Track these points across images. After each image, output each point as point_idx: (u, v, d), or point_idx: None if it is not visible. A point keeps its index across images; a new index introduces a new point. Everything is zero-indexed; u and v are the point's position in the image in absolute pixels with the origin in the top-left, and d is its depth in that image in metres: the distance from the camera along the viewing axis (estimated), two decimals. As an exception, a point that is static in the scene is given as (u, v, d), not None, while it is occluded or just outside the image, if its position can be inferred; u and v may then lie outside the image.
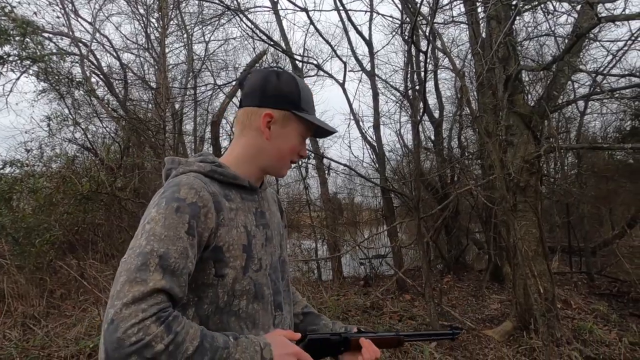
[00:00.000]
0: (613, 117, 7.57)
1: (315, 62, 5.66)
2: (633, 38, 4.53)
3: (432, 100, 7.03)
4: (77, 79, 5.46)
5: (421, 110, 3.60)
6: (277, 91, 0.86)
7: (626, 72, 4.76)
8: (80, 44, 6.28)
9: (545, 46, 6.04)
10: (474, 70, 5.56)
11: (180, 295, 0.66)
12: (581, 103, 6.17)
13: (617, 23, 3.24)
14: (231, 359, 0.65)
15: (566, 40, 4.01)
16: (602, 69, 4.84)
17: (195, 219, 0.70)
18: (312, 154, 5.07)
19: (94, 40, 6.69)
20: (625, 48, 5.00)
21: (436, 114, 6.81)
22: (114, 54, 7.07)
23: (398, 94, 6.13)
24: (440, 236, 6.29)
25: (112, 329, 0.57)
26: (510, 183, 3.44)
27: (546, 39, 5.52)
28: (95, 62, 6.51)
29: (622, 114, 6.95)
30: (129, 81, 7.16)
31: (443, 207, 4.45)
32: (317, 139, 6.10)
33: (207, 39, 8.14)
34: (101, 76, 6.44)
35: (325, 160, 5.21)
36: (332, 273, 6.05)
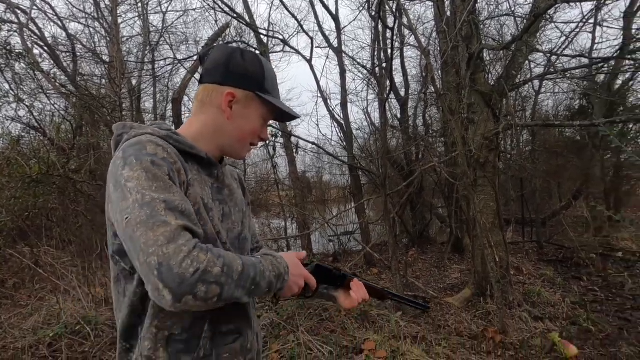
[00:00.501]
0: (564, 96, 8.06)
1: (281, 37, 5.50)
2: (584, 20, 4.79)
3: (398, 78, 7.09)
4: (17, 50, 4.93)
5: (388, 88, 3.62)
6: (241, 70, 0.83)
7: (577, 53, 5.03)
8: (19, 11, 5.65)
9: (505, 26, 6.25)
10: (438, 48, 5.65)
11: (199, 232, 0.66)
12: (536, 82, 6.50)
13: (572, 4, 3.39)
14: (267, 271, 0.70)
15: (525, 21, 4.15)
16: (556, 49, 5.09)
17: (171, 172, 0.69)
18: (280, 133, 5.00)
19: (34, 7, 6.04)
20: (577, 30, 5.28)
21: (402, 92, 6.90)
22: (59, 23, 6.44)
23: (365, 71, 6.12)
24: (405, 212, 6.53)
25: (166, 270, 0.56)
26: (471, 159, 3.60)
27: (506, 19, 5.71)
28: (37, 32, 5.90)
29: (572, 93, 7.40)
30: (78, 54, 6.58)
31: (408, 184, 4.59)
32: (285, 117, 6.00)
33: (164, 9, 7.61)
34: (45, 48, 5.87)
35: (293, 139, 5.16)
36: (301, 251, 6.12)
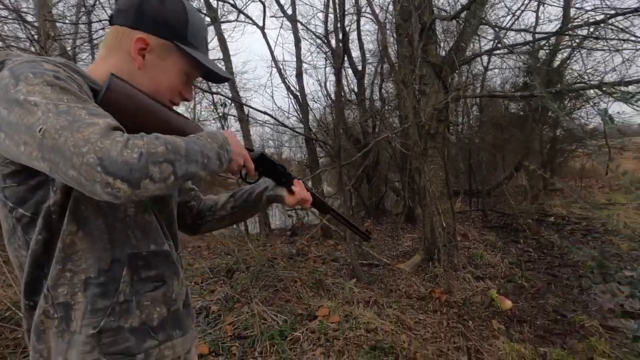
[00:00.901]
0: (510, 73, 8.48)
1: (232, 2, 5.16)
2: (530, -3, 4.97)
3: (355, 52, 7.07)
4: None
5: (342, 55, 3.55)
6: (158, 14, 0.70)
7: (522, 28, 5.23)
8: None
9: (458, 4, 6.35)
10: (394, 21, 5.64)
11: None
12: (485, 59, 6.75)
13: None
14: (208, 144, 0.65)
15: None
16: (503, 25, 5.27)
17: (80, 91, 0.58)
18: (232, 102, 4.77)
19: None
20: (522, 8, 5.49)
21: (359, 67, 6.87)
22: (-33, -26, 5.52)
23: (320, 40, 5.98)
24: (362, 185, 6.66)
25: (110, 162, 0.49)
26: (422, 130, 3.69)
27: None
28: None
29: (517, 70, 7.79)
30: (-4, 13, 5.73)
31: (364, 155, 4.64)
32: (237, 88, 5.75)
33: (98, -34, 6.77)
34: (-49, 3, 5.03)
35: (245, 109, 4.97)
36: (259, 226, 6.08)
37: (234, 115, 5.41)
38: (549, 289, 3.52)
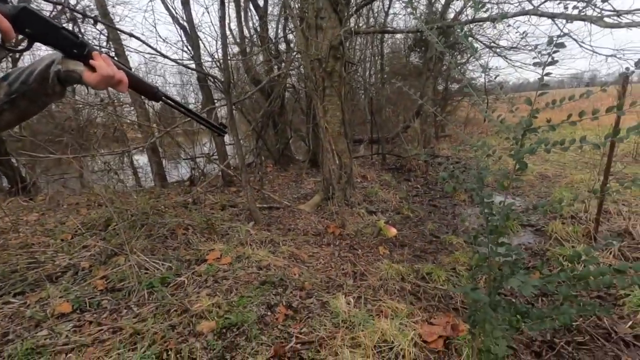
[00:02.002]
0: (413, 22, 8.75)
1: None
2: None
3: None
4: None
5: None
6: None
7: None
8: None
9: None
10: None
11: None
12: (387, 3, 6.78)
13: None
14: None
15: None
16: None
17: None
18: (95, 22, 3.93)
19: None
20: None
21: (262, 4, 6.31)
22: None
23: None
24: (268, 132, 6.43)
25: None
26: (318, 66, 3.55)
27: None
28: None
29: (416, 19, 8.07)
30: None
31: (266, 98, 4.37)
32: (110, 15, 4.78)
33: None
34: None
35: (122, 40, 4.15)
36: (153, 178, 5.50)
37: (107, 49, 4.51)
38: (430, 217, 3.94)
